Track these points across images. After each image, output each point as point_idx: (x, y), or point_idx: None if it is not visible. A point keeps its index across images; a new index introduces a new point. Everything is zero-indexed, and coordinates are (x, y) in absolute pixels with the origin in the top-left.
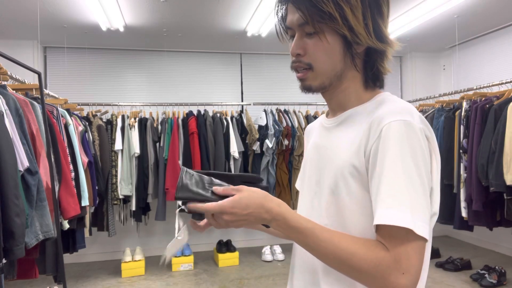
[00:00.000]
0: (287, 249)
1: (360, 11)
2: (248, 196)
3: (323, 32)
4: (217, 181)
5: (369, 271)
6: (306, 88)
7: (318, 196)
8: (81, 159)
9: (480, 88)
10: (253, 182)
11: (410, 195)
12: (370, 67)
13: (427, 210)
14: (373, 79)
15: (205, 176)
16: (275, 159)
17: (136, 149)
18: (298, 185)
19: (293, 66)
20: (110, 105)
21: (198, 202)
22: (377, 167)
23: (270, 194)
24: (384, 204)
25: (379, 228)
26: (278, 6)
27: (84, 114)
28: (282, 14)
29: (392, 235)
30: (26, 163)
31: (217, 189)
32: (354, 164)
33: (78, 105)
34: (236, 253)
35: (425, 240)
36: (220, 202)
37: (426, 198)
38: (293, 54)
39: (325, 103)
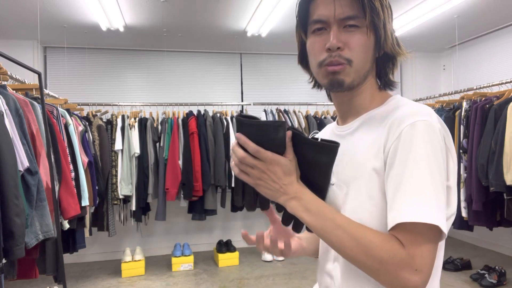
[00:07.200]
0: None
1: (389, 16)
2: (294, 168)
3: (370, 27)
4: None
5: (384, 260)
6: (338, 82)
7: (338, 199)
8: (81, 159)
9: (480, 88)
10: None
11: (436, 193)
12: (384, 73)
13: (445, 209)
14: (387, 84)
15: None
16: None
17: (136, 149)
18: None
19: (330, 60)
20: (110, 105)
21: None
22: (395, 167)
23: None
24: (407, 201)
25: (397, 225)
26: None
27: (84, 114)
28: (308, 8)
29: (410, 232)
30: (26, 163)
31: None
32: (374, 167)
33: (78, 105)
34: (236, 253)
35: (442, 239)
36: (273, 154)
37: (445, 197)
38: (333, 47)
39: (325, 103)
